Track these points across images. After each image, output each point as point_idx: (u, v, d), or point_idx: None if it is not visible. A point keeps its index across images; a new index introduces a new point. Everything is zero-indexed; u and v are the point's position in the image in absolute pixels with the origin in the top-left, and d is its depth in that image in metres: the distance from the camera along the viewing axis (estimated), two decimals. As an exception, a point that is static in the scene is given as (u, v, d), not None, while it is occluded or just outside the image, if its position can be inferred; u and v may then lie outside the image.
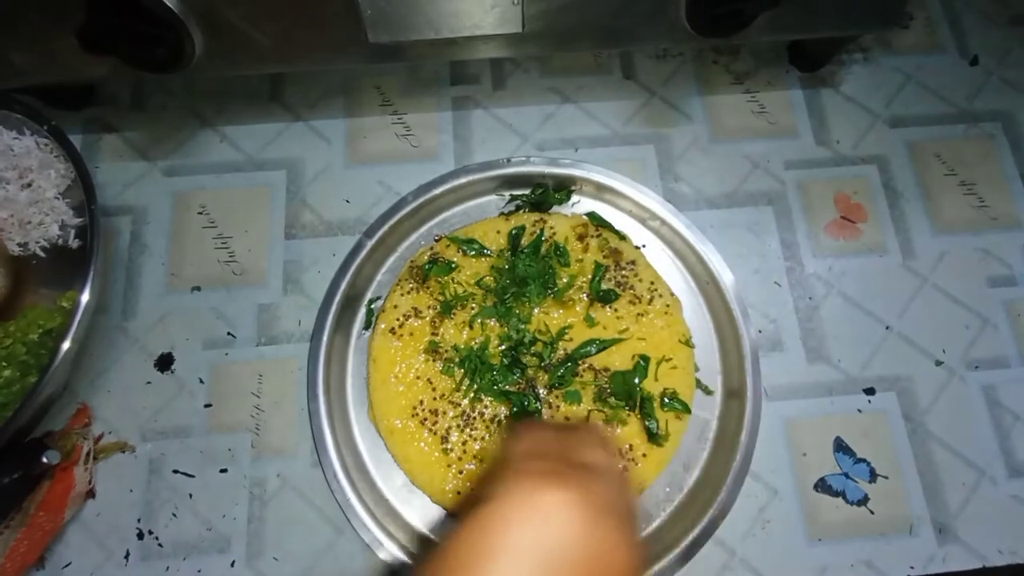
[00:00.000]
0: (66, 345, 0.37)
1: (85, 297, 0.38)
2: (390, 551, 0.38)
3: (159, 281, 0.46)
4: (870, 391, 0.44)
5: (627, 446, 0.41)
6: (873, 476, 0.42)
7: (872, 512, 0.42)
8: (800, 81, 0.53)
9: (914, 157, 0.50)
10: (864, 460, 0.43)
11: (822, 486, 0.42)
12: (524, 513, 0.24)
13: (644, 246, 0.46)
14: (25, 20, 0.39)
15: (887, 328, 0.46)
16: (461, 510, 0.27)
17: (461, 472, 0.40)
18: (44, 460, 0.38)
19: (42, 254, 0.43)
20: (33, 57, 0.41)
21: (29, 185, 0.44)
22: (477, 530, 0.24)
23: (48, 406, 0.41)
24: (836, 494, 0.42)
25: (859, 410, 0.44)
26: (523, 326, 0.42)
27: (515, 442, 0.28)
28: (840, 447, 0.43)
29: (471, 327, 0.42)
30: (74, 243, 0.43)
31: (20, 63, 0.41)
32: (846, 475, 0.42)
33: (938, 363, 0.45)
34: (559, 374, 0.41)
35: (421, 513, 0.40)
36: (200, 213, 0.48)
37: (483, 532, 0.23)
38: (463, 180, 0.46)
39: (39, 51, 0.41)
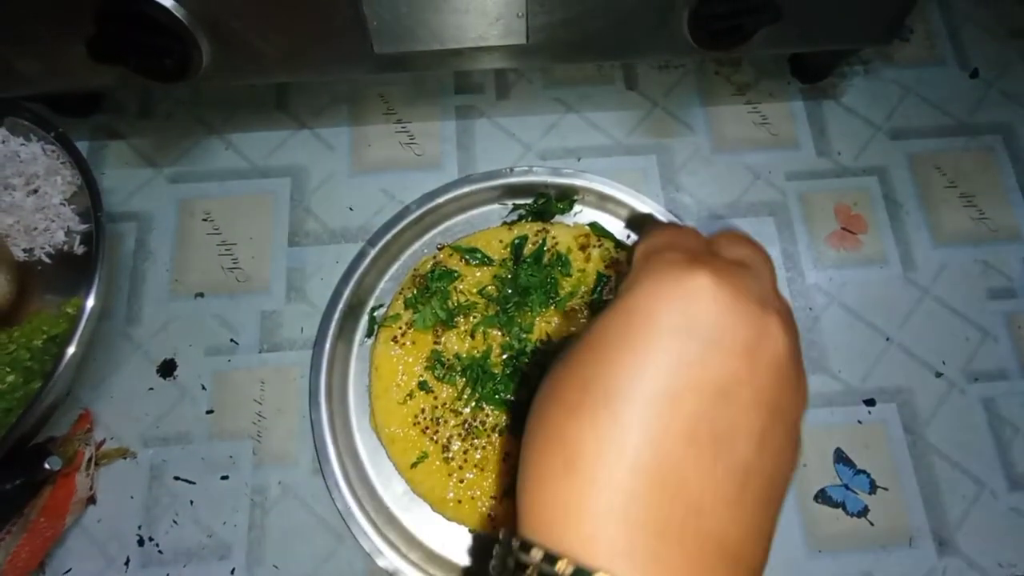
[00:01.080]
0: (71, 351, 0.37)
1: (90, 303, 0.38)
2: (390, 559, 0.38)
3: (163, 287, 0.46)
4: (870, 402, 0.44)
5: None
6: (873, 488, 0.42)
7: (872, 524, 0.42)
8: (801, 93, 0.53)
9: (914, 169, 0.51)
10: (864, 471, 0.43)
11: (822, 497, 0.42)
12: (669, 295, 0.20)
13: (645, 256, 0.46)
14: (34, 29, 0.39)
15: (887, 339, 0.46)
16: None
17: (462, 481, 0.40)
18: (46, 466, 0.38)
19: (47, 260, 0.43)
20: (41, 65, 0.41)
21: (35, 191, 0.44)
22: (623, 314, 0.20)
23: (51, 412, 0.41)
24: (836, 505, 0.42)
25: (859, 421, 0.44)
26: (525, 336, 0.42)
27: (642, 242, 0.24)
28: (840, 458, 0.43)
29: (473, 336, 0.43)
30: (79, 249, 0.43)
31: (28, 71, 0.42)
32: (846, 486, 0.42)
33: (938, 375, 0.45)
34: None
35: (421, 522, 0.40)
36: (205, 220, 0.48)
37: (629, 315, 0.20)
38: (466, 189, 0.46)
39: (47, 60, 0.41)
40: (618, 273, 0.45)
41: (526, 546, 0.19)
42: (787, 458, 0.20)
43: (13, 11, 0.37)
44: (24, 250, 0.43)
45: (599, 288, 0.44)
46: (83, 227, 0.44)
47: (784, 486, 0.20)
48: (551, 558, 0.18)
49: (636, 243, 0.24)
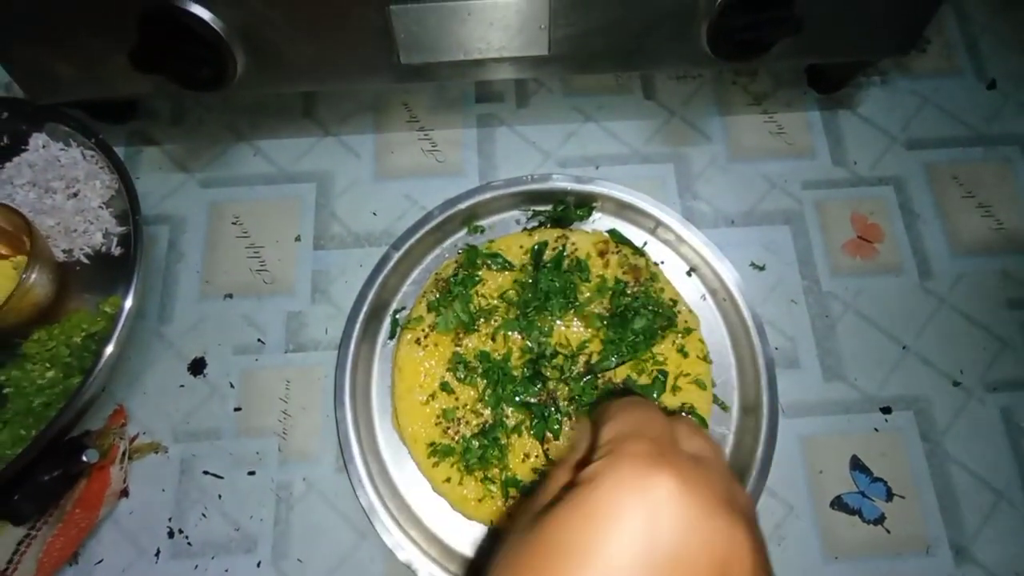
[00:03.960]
0: (110, 349, 0.39)
1: (129, 303, 0.40)
2: (411, 554, 0.39)
3: (194, 288, 0.48)
4: (887, 410, 0.45)
5: (645, 459, 0.41)
6: (890, 495, 0.42)
7: (888, 531, 0.42)
8: (818, 102, 0.54)
9: (931, 179, 0.51)
10: (881, 479, 0.43)
11: (838, 504, 0.42)
12: (632, 501, 0.20)
13: (663, 263, 0.47)
14: (77, 39, 0.41)
15: (904, 348, 0.46)
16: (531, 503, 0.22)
17: (482, 480, 0.41)
18: (84, 459, 0.39)
19: (86, 260, 0.45)
20: (84, 73, 0.43)
21: (75, 195, 0.46)
22: (580, 517, 0.20)
23: (88, 407, 0.42)
24: (852, 512, 0.42)
25: (876, 429, 0.44)
26: (545, 339, 0.43)
27: (610, 421, 0.24)
28: (857, 465, 0.43)
29: (494, 339, 0.44)
30: (116, 251, 0.45)
31: (70, 79, 0.44)
32: (863, 494, 0.42)
33: (956, 384, 0.45)
34: (580, 385, 0.42)
35: (441, 519, 0.41)
36: (234, 223, 0.50)
37: (587, 520, 0.20)
38: (487, 196, 0.47)
39: (90, 68, 0.43)
40: (636, 279, 0.45)
41: None
42: None
43: (61, 23, 0.39)
44: (64, 251, 0.45)
45: (617, 293, 0.44)
46: (120, 229, 0.46)
47: None
48: None
49: (601, 419, 0.23)
